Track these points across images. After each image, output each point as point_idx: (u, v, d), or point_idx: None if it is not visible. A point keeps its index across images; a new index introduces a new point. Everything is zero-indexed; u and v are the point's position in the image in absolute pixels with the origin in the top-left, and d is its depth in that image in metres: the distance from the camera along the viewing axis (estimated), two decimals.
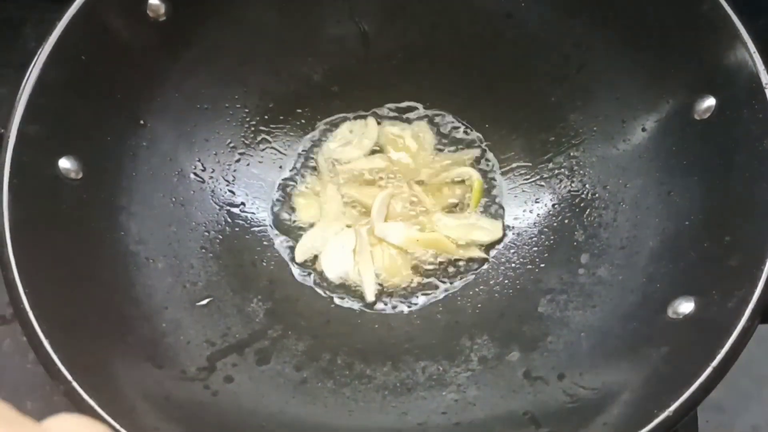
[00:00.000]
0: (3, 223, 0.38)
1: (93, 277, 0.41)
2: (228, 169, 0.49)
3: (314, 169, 0.50)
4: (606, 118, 0.46)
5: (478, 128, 0.50)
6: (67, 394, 0.34)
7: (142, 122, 0.46)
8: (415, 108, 0.51)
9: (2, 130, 0.40)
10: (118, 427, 0.33)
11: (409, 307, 0.46)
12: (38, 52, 0.41)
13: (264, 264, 0.47)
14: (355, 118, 0.51)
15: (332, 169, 0.50)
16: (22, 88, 0.40)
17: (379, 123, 0.51)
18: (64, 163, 0.41)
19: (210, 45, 0.47)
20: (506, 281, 0.46)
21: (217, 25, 0.47)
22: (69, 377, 0.35)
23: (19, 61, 0.58)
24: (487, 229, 0.48)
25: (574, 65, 0.47)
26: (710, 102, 0.41)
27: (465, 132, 0.51)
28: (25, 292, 0.36)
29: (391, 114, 0.51)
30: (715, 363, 0.34)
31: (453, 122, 0.51)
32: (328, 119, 0.51)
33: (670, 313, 0.38)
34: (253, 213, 0.49)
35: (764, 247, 0.36)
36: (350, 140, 0.51)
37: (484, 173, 0.49)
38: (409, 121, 0.51)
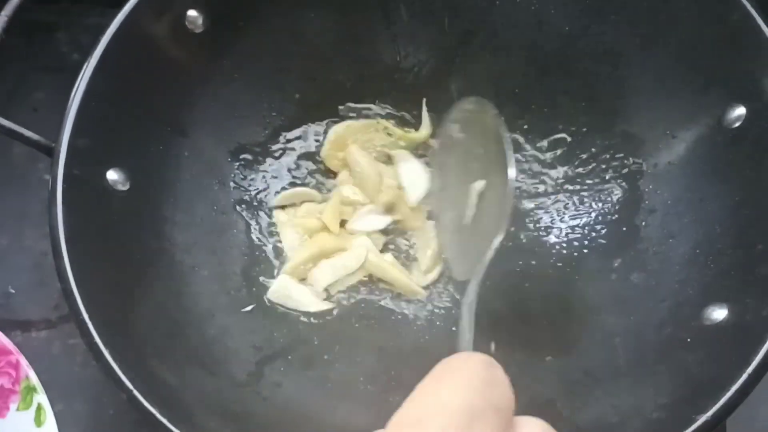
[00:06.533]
0: (58, 235, 0.39)
1: (144, 287, 0.42)
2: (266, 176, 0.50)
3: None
4: (637, 125, 0.47)
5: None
6: (130, 402, 0.36)
7: (183, 131, 0.47)
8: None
9: (53, 144, 0.41)
10: None
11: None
12: (84, 65, 0.42)
13: None
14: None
15: None
16: (71, 101, 0.41)
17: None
18: (112, 175, 0.42)
19: (246, 54, 0.48)
20: (541, 283, 0.47)
21: (253, 34, 0.48)
22: (130, 386, 0.36)
23: (53, 66, 0.59)
24: None
25: (604, 73, 0.48)
26: (740, 111, 0.42)
27: None
28: (84, 304, 0.37)
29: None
30: (750, 369, 0.35)
31: None
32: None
33: (703, 319, 0.39)
34: None
35: None
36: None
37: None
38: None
